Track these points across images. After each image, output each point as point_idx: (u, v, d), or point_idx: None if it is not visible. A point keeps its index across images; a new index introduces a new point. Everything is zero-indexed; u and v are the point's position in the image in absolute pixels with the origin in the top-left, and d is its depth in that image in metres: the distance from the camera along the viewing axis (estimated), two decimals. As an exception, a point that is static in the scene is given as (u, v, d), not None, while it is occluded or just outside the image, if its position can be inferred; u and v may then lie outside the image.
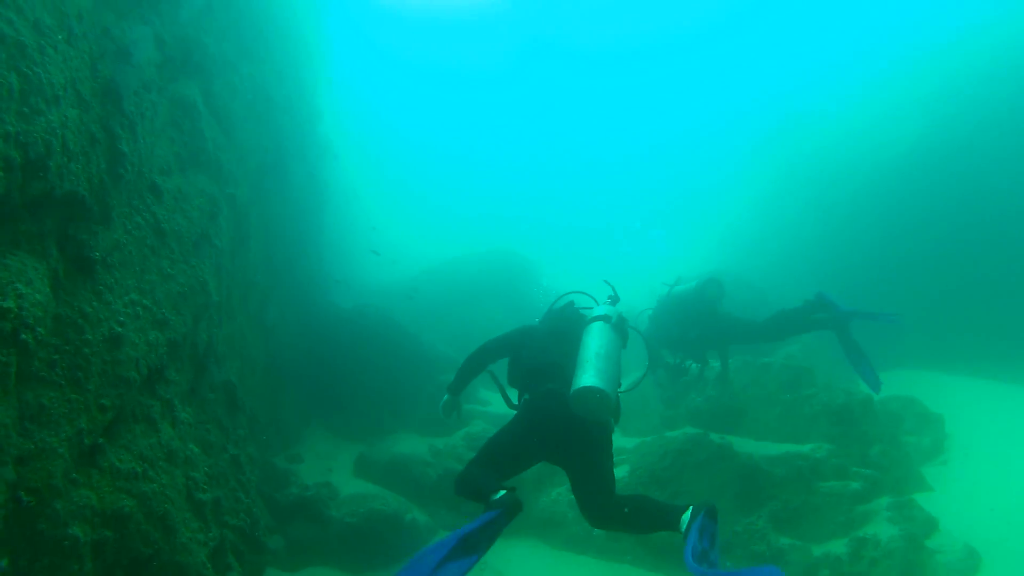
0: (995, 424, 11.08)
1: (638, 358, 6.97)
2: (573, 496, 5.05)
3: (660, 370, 11.14)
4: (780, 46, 25.00)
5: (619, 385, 5.41)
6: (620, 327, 5.75)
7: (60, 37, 4.51)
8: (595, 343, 5.49)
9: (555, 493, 10.07)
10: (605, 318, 5.76)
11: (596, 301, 6.11)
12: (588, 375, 5.22)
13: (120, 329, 5.11)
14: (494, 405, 13.11)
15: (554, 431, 5.30)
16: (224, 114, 8.37)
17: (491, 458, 5.30)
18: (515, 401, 5.89)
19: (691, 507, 4.69)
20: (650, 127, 36.98)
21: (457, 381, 6.51)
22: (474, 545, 4.65)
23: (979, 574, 7.39)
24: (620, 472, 9.14)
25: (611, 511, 5.09)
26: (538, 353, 5.89)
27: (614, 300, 6.11)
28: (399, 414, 12.86)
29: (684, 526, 4.58)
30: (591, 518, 5.25)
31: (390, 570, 8.70)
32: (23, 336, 4.02)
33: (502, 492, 4.84)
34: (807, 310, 8.95)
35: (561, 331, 6.04)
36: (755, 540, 8.08)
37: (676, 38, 34.80)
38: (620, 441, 7.46)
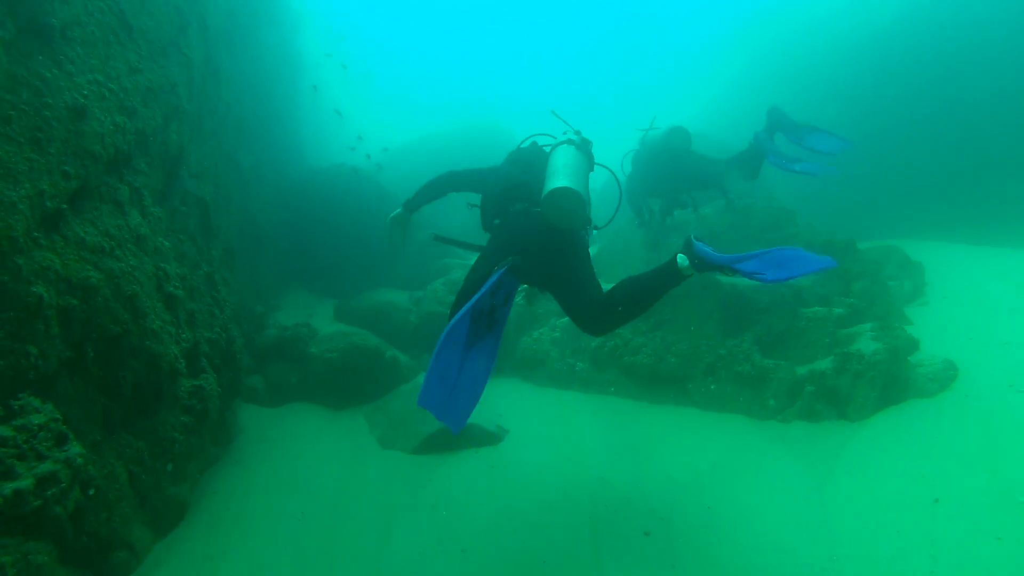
0: (973, 275, 11.06)
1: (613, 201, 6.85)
2: (560, 325, 5.03)
3: (645, 220, 11.14)
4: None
5: (588, 196, 5.33)
6: (584, 149, 5.61)
7: None
8: (561, 159, 5.38)
9: (536, 333, 10.02)
10: (568, 141, 5.65)
11: (556, 139, 5.93)
12: (559, 179, 5.14)
13: (84, 101, 4.93)
14: (474, 259, 12.98)
15: (529, 245, 5.17)
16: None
17: (468, 290, 5.20)
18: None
19: (678, 252, 4.65)
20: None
21: (415, 198, 6.37)
22: (490, 316, 4.58)
23: (957, 382, 7.41)
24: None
25: (605, 308, 5.00)
26: (505, 178, 5.78)
27: (578, 134, 5.93)
28: (378, 271, 12.74)
29: (687, 262, 4.58)
30: (589, 325, 5.17)
31: (370, 405, 8.67)
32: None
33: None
34: (768, 131, 8.97)
35: (526, 160, 5.92)
36: (739, 361, 8.06)
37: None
38: (603, 287, 7.40)
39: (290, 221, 12.99)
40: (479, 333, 4.61)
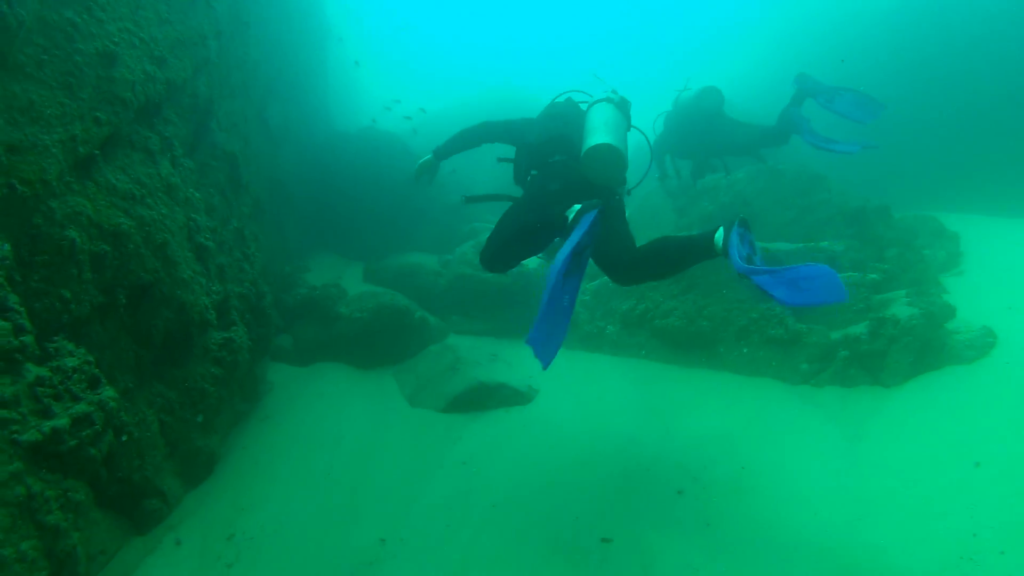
0: (1009, 246, 10.84)
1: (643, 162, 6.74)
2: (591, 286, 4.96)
3: (668, 176, 11.04)
4: None
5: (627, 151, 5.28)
6: (623, 108, 5.55)
7: None
8: (601, 116, 5.32)
9: (565, 297, 9.94)
10: (607, 99, 5.58)
11: (592, 96, 5.85)
12: (600, 135, 5.10)
13: (114, 48, 4.89)
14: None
15: (566, 197, 5.11)
16: None
17: (507, 232, 5.18)
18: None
19: (721, 226, 4.51)
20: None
21: (446, 145, 6.30)
22: (580, 255, 4.57)
23: (996, 350, 7.27)
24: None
25: (637, 261, 4.94)
26: (543, 131, 5.70)
27: (615, 93, 5.84)
28: (407, 235, 12.67)
29: (720, 243, 4.41)
30: (619, 275, 5.11)
31: (399, 365, 8.65)
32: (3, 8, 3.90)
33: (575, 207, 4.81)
34: (798, 98, 8.74)
35: (563, 115, 5.82)
36: (772, 325, 7.96)
37: None
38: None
39: (318, 184, 12.88)
40: (570, 271, 4.58)
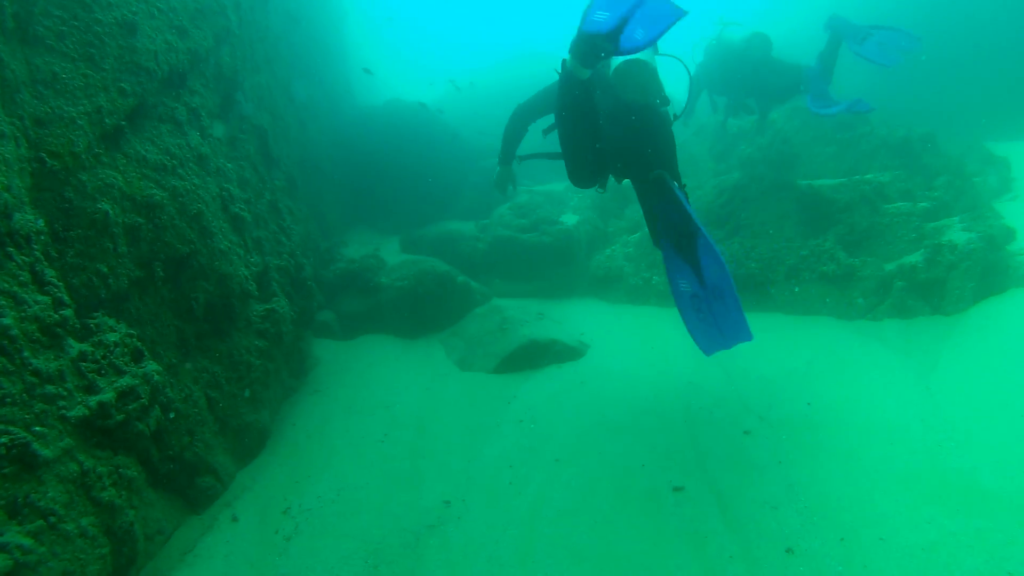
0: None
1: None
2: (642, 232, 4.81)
3: (693, 114, 10.78)
4: None
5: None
6: None
7: None
8: None
9: (609, 251, 9.76)
10: None
11: None
12: (620, 57, 4.95)
13: (133, 17, 4.76)
14: (543, 187, 12.68)
15: (614, 124, 5.00)
16: None
17: (570, 140, 4.97)
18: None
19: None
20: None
21: (505, 149, 6.34)
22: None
23: (1059, 273, 7.04)
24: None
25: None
26: None
27: None
28: (443, 205, 12.50)
29: None
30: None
31: (445, 331, 8.51)
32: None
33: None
34: (834, 41, 8.41)
35: None
36: (823, 261, 7.74)
37: None
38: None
39: (348, 159, 12.74)
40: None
